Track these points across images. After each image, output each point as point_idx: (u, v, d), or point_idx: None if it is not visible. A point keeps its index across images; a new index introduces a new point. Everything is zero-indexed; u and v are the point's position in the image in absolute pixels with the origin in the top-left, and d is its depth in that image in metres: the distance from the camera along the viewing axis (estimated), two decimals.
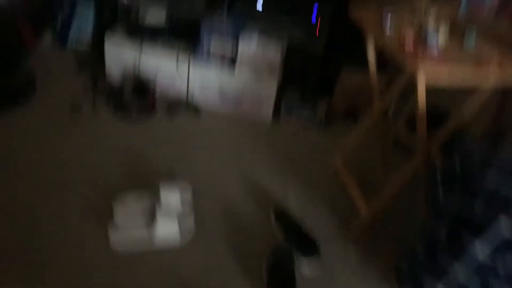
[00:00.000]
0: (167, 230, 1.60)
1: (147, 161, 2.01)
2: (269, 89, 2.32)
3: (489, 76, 1.35)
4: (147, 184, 1.83)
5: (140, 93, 2.35)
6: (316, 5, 2.26)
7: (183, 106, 2.37)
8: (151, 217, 1.63)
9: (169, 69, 2.41)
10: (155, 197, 1.69)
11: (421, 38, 1.44)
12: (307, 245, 1.64)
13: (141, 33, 2.44)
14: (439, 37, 1.45)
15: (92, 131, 2.14)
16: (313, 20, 2.30)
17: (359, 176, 1.94)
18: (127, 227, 1.60)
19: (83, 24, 2.61)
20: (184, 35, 2.43)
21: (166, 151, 2.09)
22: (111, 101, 2.31)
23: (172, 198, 1.69)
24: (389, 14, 1.55)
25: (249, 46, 2.29)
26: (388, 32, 1.52)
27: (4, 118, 2.11)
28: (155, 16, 2.50)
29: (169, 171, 1.95)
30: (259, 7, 2.33)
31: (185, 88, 2.43)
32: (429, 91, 1.42)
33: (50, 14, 2.27)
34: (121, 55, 2.44)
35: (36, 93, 2.29)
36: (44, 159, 1.93)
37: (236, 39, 2.32)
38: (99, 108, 2.29)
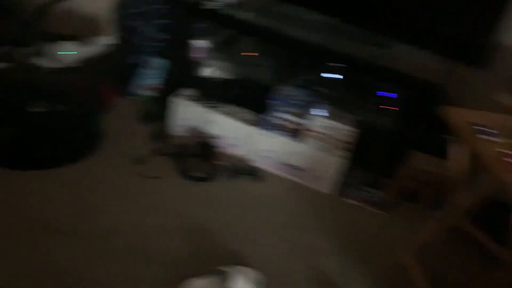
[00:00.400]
0: None
1: (209, 230, 1.97)
2: (334, 162, 2.28)
3: None
4: (211, 257, 1.80)
5: (203, 152, 2.34)
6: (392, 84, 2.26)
7: (244, 169, 2.35)
8: None
9: (234, 131, 2.40)
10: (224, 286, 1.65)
11: None
12: None
13: (209, 92, 2.45)
14: None
15: (154, 191, 2.12)
16: (390, 95, 2.29)
17: (425, 269, 1.87)
18: None
19: (152, 74, 2.63)
20: (253, 98, 2.44)
21: (228, 219, 2.05)
22: (173, 158, 2.30)
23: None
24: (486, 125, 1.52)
25: (319, 117, 2.27)
26: (485, 142, 1.48)
27: (67, 172, 2.09)
28: (226, 76, 2.52)
29: (232, 244, 1.91)
30: (335, 76, 2.33)
31: (248, 152, 2.42)
32: None
33: (130, 72, 2.30)
34: (188, 112, 2.44)
35: (100, 144, 2.30)
36: (106, 222, 1.89)
37: (306, 108, 2.31)
38: (162, 165, 2.28)
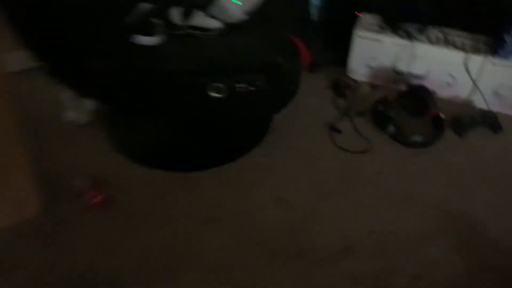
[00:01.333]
0: None
1: (478, 224, 1.36)
2: None
3: None
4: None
5: (412, 104, 1.68)
6: None
7: (475, 119, 1.66)
8: None
9: (450, 66, 1.69)
10: None
11: None
12: None
13: (402, 13, 1.72)
14: None
15: (369, 172, 1.51)
16: None
17: None
18: None
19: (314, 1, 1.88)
20: (474, 13, 1.67)
21: (484, 201, 1.42)
22: (373, 118, 1.67)
23: None
24: None
25: None
26: None
27: (247, 164, 1.51)
28: None
29: None
30: None
31: (473, 95, 1.71)
32: None
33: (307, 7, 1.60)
34: (375, 47, 1.74)
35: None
36: (328, 234, 1.32)
37: None
38: (359, 130, 1.65)
